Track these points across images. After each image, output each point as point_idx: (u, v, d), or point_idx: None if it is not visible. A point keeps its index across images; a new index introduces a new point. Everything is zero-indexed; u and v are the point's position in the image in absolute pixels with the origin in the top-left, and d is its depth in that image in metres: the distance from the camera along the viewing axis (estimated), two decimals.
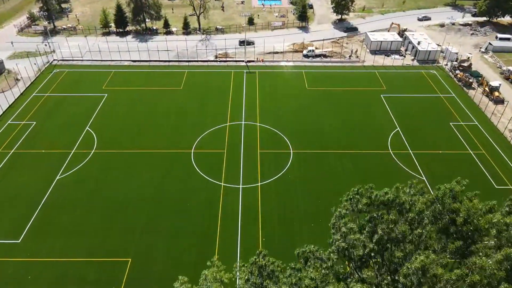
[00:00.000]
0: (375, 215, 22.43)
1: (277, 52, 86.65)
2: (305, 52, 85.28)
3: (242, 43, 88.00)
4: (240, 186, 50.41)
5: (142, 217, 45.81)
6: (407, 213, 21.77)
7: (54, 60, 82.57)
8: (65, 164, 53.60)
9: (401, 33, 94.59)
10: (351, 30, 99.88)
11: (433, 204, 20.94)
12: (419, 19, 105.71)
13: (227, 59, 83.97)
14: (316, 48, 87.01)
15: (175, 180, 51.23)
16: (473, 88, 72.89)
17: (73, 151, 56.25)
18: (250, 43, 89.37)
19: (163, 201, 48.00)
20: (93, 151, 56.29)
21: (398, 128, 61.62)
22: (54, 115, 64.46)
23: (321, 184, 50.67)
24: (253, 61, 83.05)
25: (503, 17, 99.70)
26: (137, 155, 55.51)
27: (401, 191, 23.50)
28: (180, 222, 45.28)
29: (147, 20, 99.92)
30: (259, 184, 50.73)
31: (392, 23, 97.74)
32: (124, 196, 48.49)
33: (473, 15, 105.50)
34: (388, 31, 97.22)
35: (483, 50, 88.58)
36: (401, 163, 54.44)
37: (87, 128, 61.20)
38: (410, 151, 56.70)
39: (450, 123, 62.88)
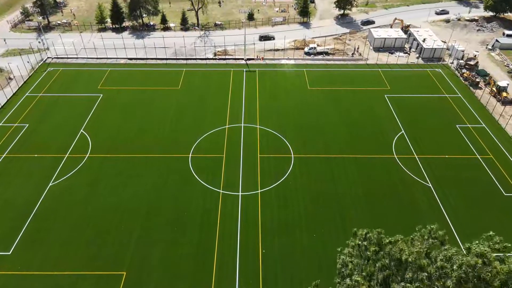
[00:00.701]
0: (387, 261, 20.43)
1: (277, 50, 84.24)
2: (306, 49, 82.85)
3: (263, 38, 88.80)
4: (240, 193, 48.62)
5: (137, 227, 44.06)
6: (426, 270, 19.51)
7: (48, 58, 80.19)
8: (58, 170, 51.73)
9: (405, 29, 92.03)
10: (368, 23, 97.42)
11: (461, 267, 18.78)
12: (437, 13, 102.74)
13: (226, 56, 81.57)
14: (318, 45, 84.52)
15: (172, 187, 49.40)
16: (480, 88, 70.68)
17: (66, 155, 54.35)
18: (270, 38, 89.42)
19: (159, 210, 46.23)
20: (87, 155, 54.38)
21: (403, 131, 59.60)
22: (47, 116, 62.39)
23: (323, 190, 48.87)
24: (253, 59, 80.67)
25: (511, 12, 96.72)
26: (132, 160, 53.61)
27: (417, 237, 21.24)
28: (176, 232, 43.57)
29: (144, 15, 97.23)
30: (259, 191, 48.93)
31: (395, 19, 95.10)
32: (118, 205, 46.71)
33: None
34: (391, 26, 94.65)
35: (489, 47, 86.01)
36: (406, 168, 52.56)
37: (81, 130, 59.22)
38: (415, 156, 54.77)
39: (456, 126, 60.83)
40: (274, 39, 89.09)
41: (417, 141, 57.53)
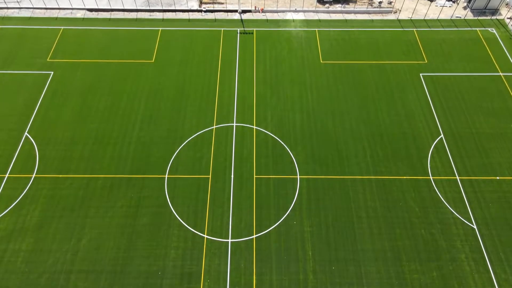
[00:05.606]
0: None
1: None
2: None
3: None
4: (229, 240, 37.88)
5: None
6: None
7: None
8: None
9: None
10: None
11: None
12: None
13: (215, 7, 62.39)
14: None
15: (142, 232, 38.21)
16: None
17: (6, 175, 42.16)
18: None
19: (126, 269, 35.99)
20: (33, 175, 42.15)
21: (442, 135, 45.98)
22: None
23: (337, 239, 37.91)
24: (249, 11, 61.71)
25: None
26: (92, 184, 41.48)
27: None
28: None
29: None
30: (254, 236, 38.09)
31: None
32: (72, 264, 36.14)
33: None
34: None
35: None
36: (445, 198, 40.73)
37: (25, 133, 45.80)
38: (457, 177, 42.38)
39: None
40: None
41: (460, 153, 44.44)
